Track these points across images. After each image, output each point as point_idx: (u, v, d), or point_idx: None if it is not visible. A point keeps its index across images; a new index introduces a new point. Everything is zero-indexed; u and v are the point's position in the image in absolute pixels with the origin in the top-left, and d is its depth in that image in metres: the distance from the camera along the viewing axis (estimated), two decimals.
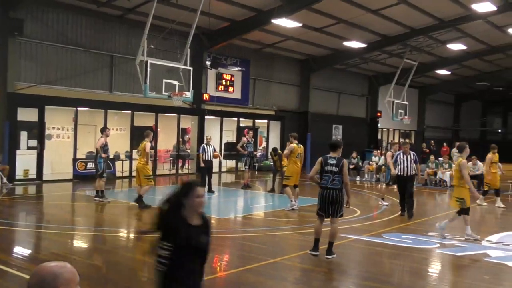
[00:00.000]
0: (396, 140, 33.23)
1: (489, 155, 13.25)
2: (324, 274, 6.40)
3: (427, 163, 19.79)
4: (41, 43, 15.89)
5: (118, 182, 16.90)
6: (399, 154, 11.11)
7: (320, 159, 7.11)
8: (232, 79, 22.46)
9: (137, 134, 16.90)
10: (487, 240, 8.58)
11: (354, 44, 22.30)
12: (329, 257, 6.82)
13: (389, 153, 13.30)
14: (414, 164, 10.96)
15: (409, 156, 10.94)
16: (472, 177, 16.88)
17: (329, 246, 6.89)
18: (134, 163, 14.05)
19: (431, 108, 36.82)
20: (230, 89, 22.37)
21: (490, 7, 17.19)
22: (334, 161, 6.96)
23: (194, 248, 3.12)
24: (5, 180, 14.19)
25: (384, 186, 13.64)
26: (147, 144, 11.19)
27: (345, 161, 7.05)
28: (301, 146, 11.91)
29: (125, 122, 18.90)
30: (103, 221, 10.32)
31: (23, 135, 15.46)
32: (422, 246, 8.24)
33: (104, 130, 12.29)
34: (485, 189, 13.49)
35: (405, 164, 10.86)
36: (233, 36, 19.96)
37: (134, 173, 13.87)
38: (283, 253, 7.46)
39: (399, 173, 10.95)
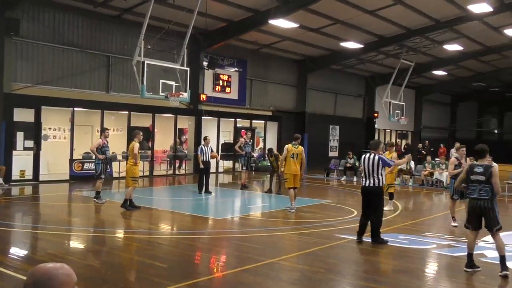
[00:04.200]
0: (393, 141, 33.34)
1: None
2: (321, 274, 6.40)
3: (424, 164, 19.86)
4: (37, 43, 15.85)
5: (115, 182, 16.86)
6: (361, 157, 8.82)
7: (466, 168, 6.66)
8: (229, 79, 22.47)
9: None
10: (484, 241, 8.60)
11: (351, 45, 22.35)
12: (505, 273, 6.33)
13: (452, 159, 10.30)
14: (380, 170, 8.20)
15: (373, 159, 8.20)
16: None
17: (502, 261, 6.37)
18: None
19: (427, 108, 36.93)
20: (227, 89, 22.38)
21: (486, 8, 17.26)
22: (482, 170, 6.40)
23: None
24: (1, 180, 14.13)
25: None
26: (135, 145, 11.08)
27: (494, 168, 6.44)
28: (299, 146, 11.69)
29: (122, 123, 18.86)
30: (100, 222, 10.29)
31: (20, 135, 15.40)
32: (419, 246, 8.26)
33: (103, 131, 12.28)
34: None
35: (365, 168, 8.26)
36: (230, 37, 19.97)
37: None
38: (281, 253, 7.46)
39: (362, 183, 8.45)
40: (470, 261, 6.62)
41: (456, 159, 9.96)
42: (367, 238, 8.45)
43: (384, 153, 11.71)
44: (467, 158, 9.92)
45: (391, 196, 12.02)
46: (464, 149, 9.95)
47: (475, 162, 6.66)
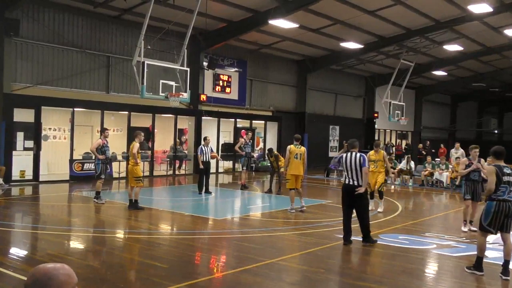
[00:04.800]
0: (393, 141, 33.33)
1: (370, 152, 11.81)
2: (320, 274, 6.40)
3: (424, 164, 19.86)
4: (37, 43, 15.85)
5: (115, 183, 16.86)
6: (342, 156, 8.52)
7: (494, 169, 6.39)
8: (229, 79, 22.48)
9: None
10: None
11: (351, 45, 22.35)
12: (508, 278, 6.29)
13: (464, 159, 10.13)
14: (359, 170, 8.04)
15: (355, 158, 8.10)
16: None
17: (506, 265, 6.36)
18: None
19: (427, 108, 36.95)
20: (227, 89, 22.38)
21: (486, 8, 17.26)
22: (510, 171, 6.37)
23: None
24: (1, 181, 14.14)
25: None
26: (134, 145, 11.14)
27: None
28: (302, 147, 11.67)
29: (122, 123, 18.87)
30: (100, 222, 10.29)
31: (20, 136, 15.40)
32: (419, 246, 8.26)
33: (103, 131, 12.29)
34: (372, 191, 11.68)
35: (347, 167, 8.14)
36: (230, 37, 19.98)
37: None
38: (280, 254, 7.46)
39: (345, 181, 8.36)
40: (481, 265, 6.53)
41: (467, 159, 9.72)
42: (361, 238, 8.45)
43: (369, 152, 11.72)
44: (481, 159, 9.62)
45: (381, 195, 11.85)
46: (478, 150, 9.58)
47: (498, 163, 6.51)
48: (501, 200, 6.32)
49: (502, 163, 6.48)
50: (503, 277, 6.34)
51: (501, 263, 6.49)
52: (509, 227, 6.38)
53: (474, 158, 9.55)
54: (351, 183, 8.08)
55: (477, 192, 9.56)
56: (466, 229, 9.59)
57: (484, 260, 7.19)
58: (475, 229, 9.13)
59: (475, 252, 7.69)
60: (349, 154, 8.23)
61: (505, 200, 6.31)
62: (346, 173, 8.23)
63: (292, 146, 11.51)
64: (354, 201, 8.10)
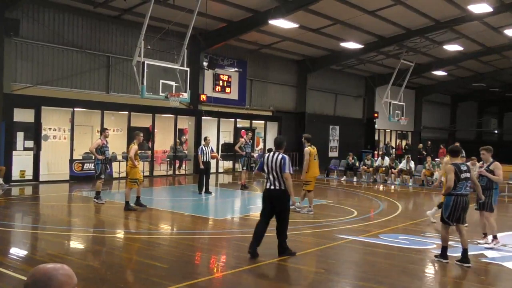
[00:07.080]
0: (393, 142, 33.32)
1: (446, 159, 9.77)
2: (320, 274, 6.40)
3: (424, 164, 19.87)
4: (37, 43, 15.85)
5: (115, 183, 16.85)
6: (264, 156, 7.51)
7: (452, 167, 6.88)
8: (229, 79, 22.48)
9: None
10: (479, 243, 8.58)
11: (351, 45, 22.36)
12: (469, 265, 6.84)
13: (478, 164, 8.96)
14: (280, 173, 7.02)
15: (276, 159, 7.08)
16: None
17: (465, 254, 6.88)
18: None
19: (427, 108, 36.95)
20: (227, 89, 22.39)
21: (486, 8, 17.26)
22: (466, 167, 7.01)
23: None
24: (1, 181, 14.14)
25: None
26: (132, 148, 11.07)
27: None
28: (314, 147, 11.68)
29: (122, 123, 18.87)
30: (100, 222, 10.29)
31: (20, 136, 15.39)
32: (419, 246, 8.26)
33: (102, 131, 12.23)
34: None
35: (269, 169, 7.11)
36: (230, 37, 19.98)
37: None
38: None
39: (266, 185, 7.30)
40: (446, 253, 7.02)
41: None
42: (366, 238, 8.44)
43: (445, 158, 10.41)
44: (495, 162, 8.30)
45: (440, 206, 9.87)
46: (484, 151, 8.34)
47: (455, 161, 7.08)
48: (458, 195, 6.86)
49: (458, 161, 7.07)
50: (465, 265, 6.77)
51: (460, 253, 6.94)
52: (464, 219, 7.01)
53: (487, 161, 8.27)
54: (272, 187, 7.07)
55: (485, 201, 8.04)
56: (489, 245, 8.13)
57: (484, 260, 7.22)
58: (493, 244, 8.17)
59: (475, 252, 7.72)
60: (271, 154, 7.20)
61: (462, 195, 6.88)
62: (267, 176, 7.16)
63: (310, 148, 11.38)
64: (275, 209, 7.12)
